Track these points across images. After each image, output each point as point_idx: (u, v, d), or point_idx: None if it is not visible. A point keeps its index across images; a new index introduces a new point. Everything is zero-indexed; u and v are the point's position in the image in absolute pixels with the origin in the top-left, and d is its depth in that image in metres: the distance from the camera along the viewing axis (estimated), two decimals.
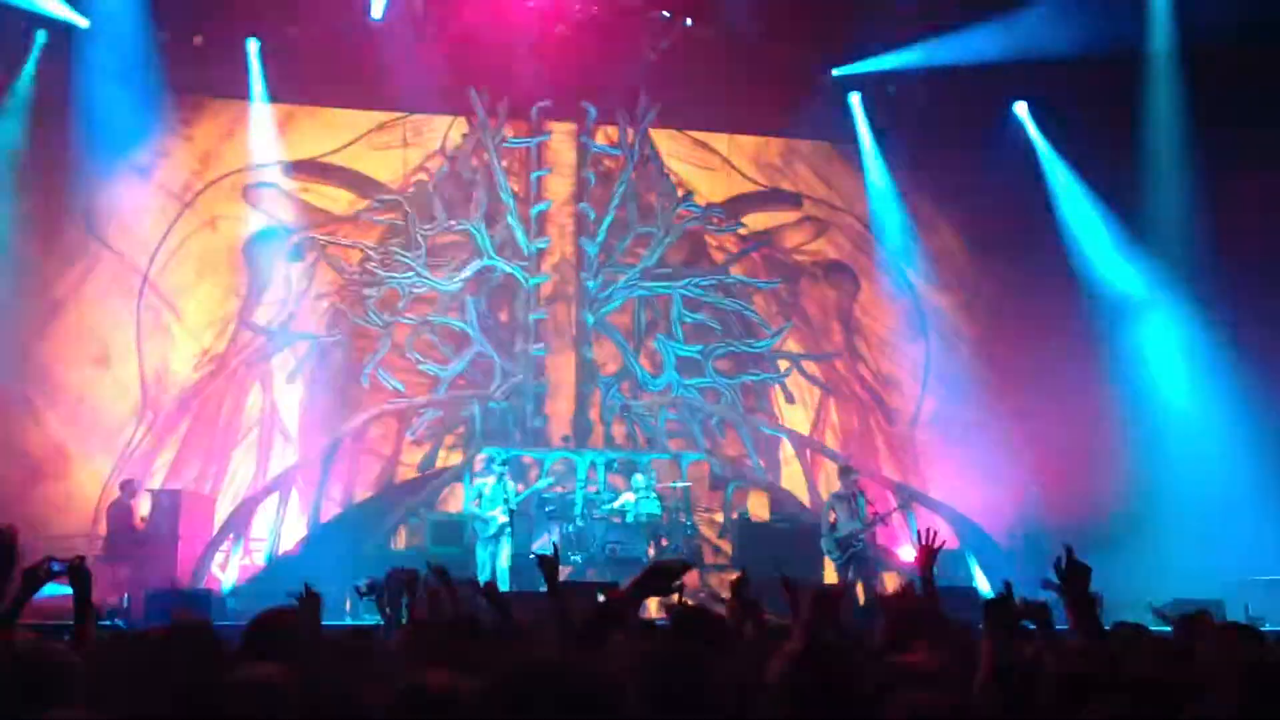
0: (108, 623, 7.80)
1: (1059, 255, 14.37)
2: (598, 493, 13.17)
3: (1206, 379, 13.39)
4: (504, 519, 11.36)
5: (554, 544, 4.16)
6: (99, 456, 12.88)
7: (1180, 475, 12.76)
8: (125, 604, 10.25)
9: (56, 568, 3.85)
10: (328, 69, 13.40)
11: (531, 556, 11.38)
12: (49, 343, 13.05)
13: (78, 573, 3.89)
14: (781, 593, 4.28)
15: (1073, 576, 3.66)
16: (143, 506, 11.93)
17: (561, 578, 11.38)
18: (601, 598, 4.83)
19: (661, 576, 3.37)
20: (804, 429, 14.83)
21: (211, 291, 13.81)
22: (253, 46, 13.78)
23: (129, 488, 11.85)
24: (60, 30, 12.96)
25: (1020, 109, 14.98)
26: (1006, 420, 13.90)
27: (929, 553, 4.31)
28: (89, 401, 13.10)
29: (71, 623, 3.88)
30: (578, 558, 12.19)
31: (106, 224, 13.38)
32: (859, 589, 10.61)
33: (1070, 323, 14.03)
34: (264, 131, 14.13)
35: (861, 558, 10.80)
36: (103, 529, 11.96)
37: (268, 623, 3.67)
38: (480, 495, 11.55)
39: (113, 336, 13.32)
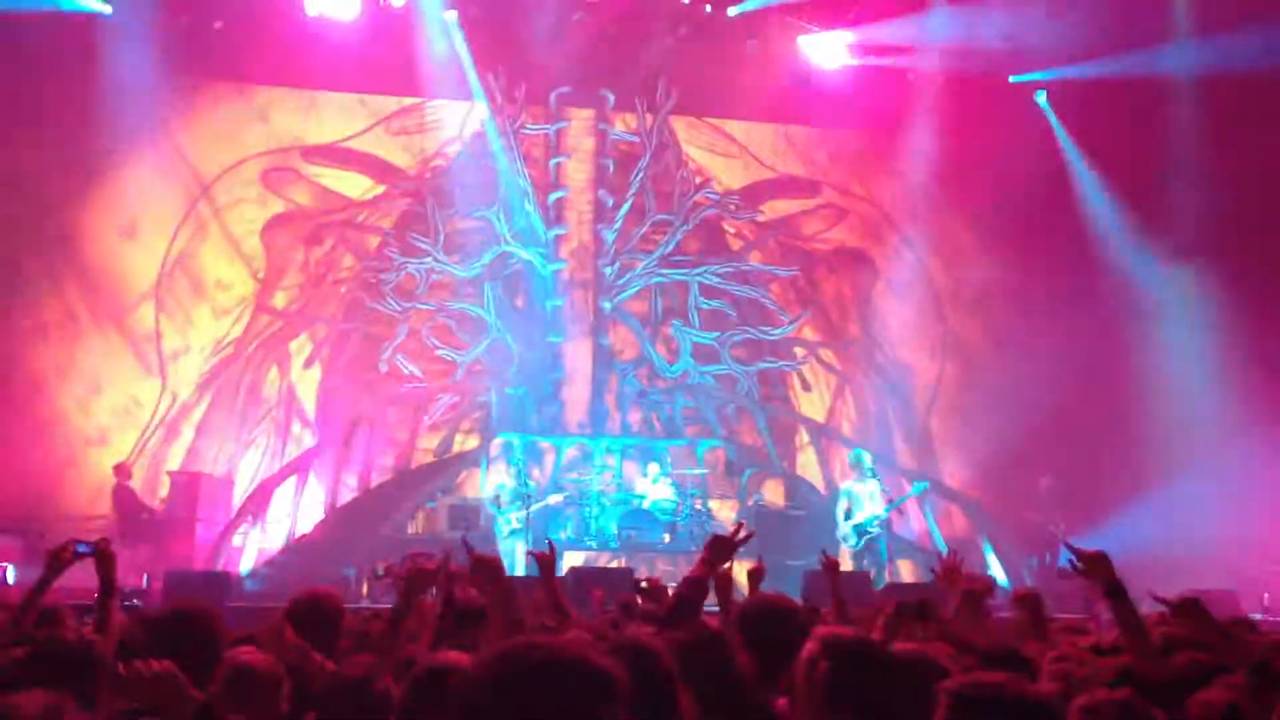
0: (128, 604, 7.87)
1: (1076, 244, 14.26)
2: (613, 479, 13.21)
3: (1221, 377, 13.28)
4: (523, 511, 11.38)
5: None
6: (122, 438, 12.98)
7: (1189, 470, 12.69)
8: (145, 585, 10.32)
9: (81, 550, 3.90)
10: (347, 54, 13.40)
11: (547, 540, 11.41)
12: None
13: (102, 555, 3.94)
14: (823, 573, 4.58)
15: (1091, 568, 3.60)
16: (161, 488, 12.00)
17: (578, 563, 11.44)
18: (644, 584, 4.96)
19: (723, 546, 3.80)
20: (820, 416, 14.81)
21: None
22: (273, 32, 13.80)
23: (123, 471, 11.89)
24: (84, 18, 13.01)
25: (1041, 98, 14.88)
26: (1023, 410, 13.81)
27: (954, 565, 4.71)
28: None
29: (94, 603, 3.94)
30: (593, 543, 12.22)
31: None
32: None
33: (1087, 311, 13.94)
34: (283, 116, 14.18)
35: (877, 544, 10.82)
36: (114, 513, 12.04)
37: (310, 601, 3.75)
38: (499, 494, 11.58)
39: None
